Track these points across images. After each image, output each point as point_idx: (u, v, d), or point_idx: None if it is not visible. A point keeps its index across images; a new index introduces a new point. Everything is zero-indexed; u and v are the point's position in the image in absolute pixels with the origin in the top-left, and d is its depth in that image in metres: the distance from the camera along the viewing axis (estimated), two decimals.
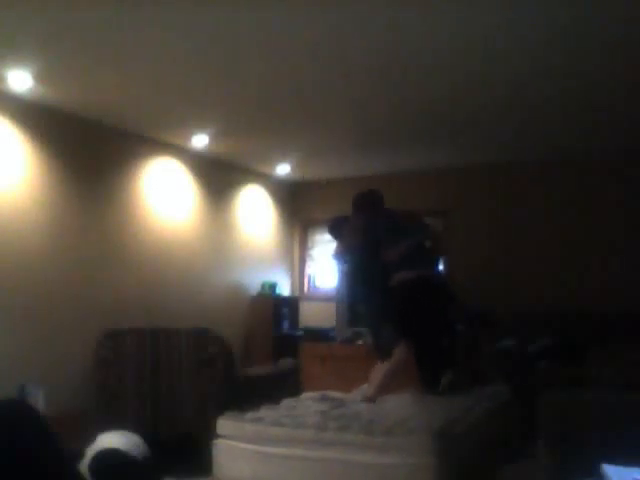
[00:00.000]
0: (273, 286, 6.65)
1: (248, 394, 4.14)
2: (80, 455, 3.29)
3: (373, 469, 3.03)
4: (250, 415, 3.58)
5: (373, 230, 4.29)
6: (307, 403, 3.94)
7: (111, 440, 3.39)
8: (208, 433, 3.55)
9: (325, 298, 6.90)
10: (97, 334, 4.40)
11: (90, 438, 3.44)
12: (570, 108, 4.65)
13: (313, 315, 6.88)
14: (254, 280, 6.58)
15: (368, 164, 6.48)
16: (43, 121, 4.41)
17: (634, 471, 1.71)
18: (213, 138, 5.35)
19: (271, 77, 3.99)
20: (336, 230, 4.60)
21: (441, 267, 5.39)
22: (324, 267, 7.22)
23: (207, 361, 4.03)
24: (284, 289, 7.08)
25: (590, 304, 5.48)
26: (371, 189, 4.67)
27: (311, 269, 7.34)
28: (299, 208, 7.34)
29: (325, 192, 7.18)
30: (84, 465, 3.23)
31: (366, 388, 4.17)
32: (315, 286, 7.31)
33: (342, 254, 4.49)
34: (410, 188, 6.73)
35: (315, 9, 3.05)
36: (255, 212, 6.73)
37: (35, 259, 4.29)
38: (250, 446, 3.37)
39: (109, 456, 3.27)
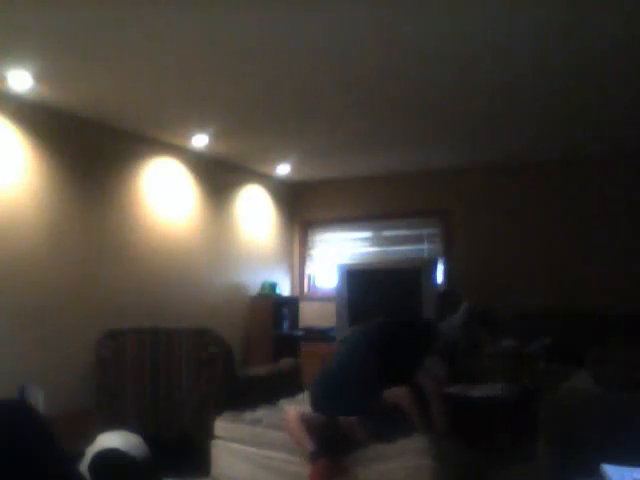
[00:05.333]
0: (273, 286, 6.65)
1: (248, 394, 4.13)
2: (80, 455, 3.29)
3: (371, 472, 3.02)
4: (248, 416, 3.57)
5: None
6: (306, 405, 3.93)
7: (111, 440, 3.39)
8: (207, 433, 3.55)
9: (325, 298, 6.91)
10: (97, 334, 4.40)
11: (90, 438, 3.45)
12: (570, 108, 4.65)
13: (313, 315, 6.89)
14: (254, 280, 6.58)
15: (368, 164, 6.48)
16: (43, 121, 4.41)
17: (634, 471, 1.71)
18: (213, 138, 5.35)
19: (271, 77, 3.99)
20: None
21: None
22: (324, 267, 7.24)
23: (207, 361, 4.03)
24: (284, 289, 7.08)
25: (590, 304, 5.49)
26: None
27: (311, 269, 7.35)
28: (299, 208, 7.34)
29: (325, 192, 7.19)
30: (84, 465, 3.23)
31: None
32: (315, 286, 7.32)
33: None
34: (410, 188, 6.74)
35: (315, 9, 3.05)
36: (255, 212, 6.73)
37: (35, 259, 4.29)
38: (247, 448, 3.36)
39: (109, 456, 3.27)
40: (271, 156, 6.18)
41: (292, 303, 6.83)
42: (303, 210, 7.33)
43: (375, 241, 7.02)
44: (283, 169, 6.60)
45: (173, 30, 3.29)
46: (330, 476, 2.96)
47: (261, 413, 3.65)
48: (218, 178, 6.17)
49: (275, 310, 6.40)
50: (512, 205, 6.28)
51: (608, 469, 1.73)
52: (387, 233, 6.94)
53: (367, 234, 7.06)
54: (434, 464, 2.90)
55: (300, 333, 6.56)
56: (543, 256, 6.05)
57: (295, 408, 3.42)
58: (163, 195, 5.45)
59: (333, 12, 3.08)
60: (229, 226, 6.32)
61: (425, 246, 6.73)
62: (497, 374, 4.60)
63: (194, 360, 4.06)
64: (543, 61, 3.74)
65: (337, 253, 7.12)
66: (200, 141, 5.41)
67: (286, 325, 6.57)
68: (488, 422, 3.65)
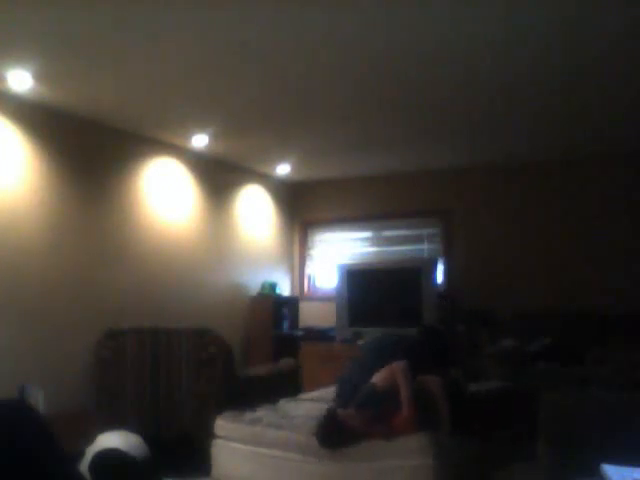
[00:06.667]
0: (273, 286, 6.65)
1: (248, 394, 4.13)
2: (80, 455, 3.29)
3: (371, 471, 3.02)
4: (248, 416, 3.57)
5: None
6: (305, 404, 3.94)
7: (111, 440, 3.39)
8: (208, 433, 3.55)
9: (325, 298, 6.91)
10: (97, 334, 4.40)
11: (90, 438, 3.45)
12: (570, 108, 4.65)
13: (313, 315, 6.88)
14: (254, 280, 6.58)
15: (368, 164, 6.48)
16: (43, 121, 4.41)
17: (634, 471, 1.71)
18: (213, 138, 5.35)
19: (271, 77, 3.99)
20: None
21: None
22: (324, 267, 7.23)
23: (207, 361, 4.03)
24: (284, 289, 7.08)
25: (590, 304, 5.49)
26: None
27: (311, 269, 7.35)
28: (299, 208, 7.34)
29: (325, 192, 7.19)
30: (84, 465, 3.23)
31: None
32: (315, 286, 7.32)
33: None
34: (410, 188, 6.75)
35: (315, 10, 3.06)
36: (255, 212, 6.73)
37: (35, 259, 4.29)
38: (248, 447, 3.36)
39: (109, 456, 3.27)
40: (271, 156, 6.18)
41: (292, 303, 6.83)
42: (303, 210, 7.33)
43: (375, 241, 7.02)
44: (283, 169, 6.60)
45: (173, 30, 3.29)
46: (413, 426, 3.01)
47: (261, 413, 3.65)
48: (218, 178, 6.17)
49: (275, 310, 6.40)
50: (512, 205, 6.28)
51: (608, 469, 1.73)
52: (387, 233, 6.94)
53: (367, 234, 7.06)
54: (435, 463, 2.89)
55: (300, 333, 6.56)
56: (543, 256, 6.05)
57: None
58: (163, 195, 5.45)
59: (333, 12, 3.08)
60: (229, 226, 6.32)
61: (425, 246, 6.73)
62: (497, 374, 4.61)
63: (194, 360, 4.05)
64: (543, 61, 3.75)
65: (337, 253, 7.12)
66: (200, 141, 5.41)
67: (286, 325, 6.57)
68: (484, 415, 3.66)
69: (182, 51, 3.58)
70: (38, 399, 3.94)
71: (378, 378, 3.28)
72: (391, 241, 6.90)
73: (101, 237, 4.83)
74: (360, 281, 6.19)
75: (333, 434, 3.06)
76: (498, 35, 3.38)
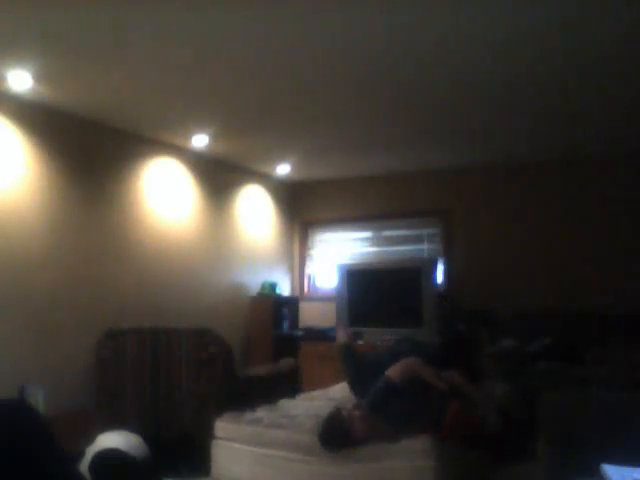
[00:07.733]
0: (273, 286, 6.65)
1: (248, 394, 4.13)
2: (80, 455, 3.29)
3: (372, 472, 3.02)
4: (248, 416, 3.57)
5: None
6: (306, 404, 3.94)
7: (111, 440, 3.39)
8: (208, 433, 3.55)
9: (325, 298, 6.91)
10: (97, 334, 4.40)
11: (90, 438, 3.45)
12: (570, 108, 4.65)
13: (313, 315, 6.89)
14: (254, 280, 6.58)
15: (368, 164, 6.48)
16: (43, 121, 4.41)
17: (634, 471, 1.71)
18: (213, 138, 5.35)
19: (271, 77, 3.99)
20: None
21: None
22: (324, 267, 7.23)
23: (207, 361, 4.03)
24: (284, 289, 7.08)
25: (590, 304, 5.49)
26: None
27: (311, 269, 7.35)
28: (299, 208, 7.34)
29: (325, 192, 7.19)
30: (84, 465, 3.24)
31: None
32: (315, 286, 7.32)
33: None
34: (410, 188, 6.75)
35: (315, 10, 3.06)
36: (255, 212, 6.73)
37: (35, 259, 4.29)
38: (248, 447, 3.36)
39: (109, 456, 3.27)
40: (271, 156, 6.18)
41: (292, 303, 6.83)
42: (303, 210, 7.33)
43: (375, 241, 7.02)
44: (283, 169, 6.60)
45: (173, 30, 3.29)
46: (463, 421, 3.02)
47: (261, 413, 3.65)
48: (218, 178, 6.17)
49: (275, 310, 6.40)
50: (512, 205, 6.28)
51: (608, 469, 1.73)
52: (387, 233, 6.94)
53: (367, 234, 7.06)
54: (436, 464, 2.89)
55: (300, 333, 6.56)
56: (543, 256, 6.05)
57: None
58: (163, 195, 5.45)
59: (333, 12, 3.08)
60: (229, 226, 6.32)
61: (425, 246, 6.73)
62: (497, 374, 4.60)
63: (194, 360, 4.06)
64: (543, 61, 3.75)
65: (337, 253, 7.12)
66: (200, 141, 5.41)
67: (286, 325, 6.57)
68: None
69: (182, 51, 3.58)
70: (38, 399, 3.94)
71: (391, 372, 3.25)
72: (391, 241, 6.90)
73: (101, 237, 4.83)
74: (360, 281, 6.19)
75: (336, 436, 3.05)
76: (498, 35, 3.38)
